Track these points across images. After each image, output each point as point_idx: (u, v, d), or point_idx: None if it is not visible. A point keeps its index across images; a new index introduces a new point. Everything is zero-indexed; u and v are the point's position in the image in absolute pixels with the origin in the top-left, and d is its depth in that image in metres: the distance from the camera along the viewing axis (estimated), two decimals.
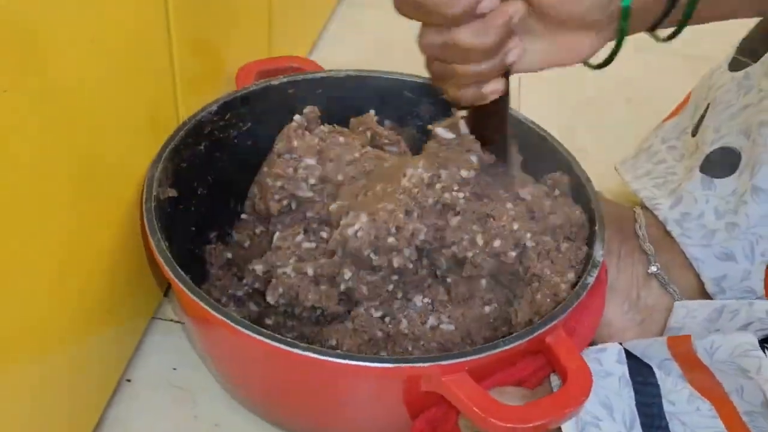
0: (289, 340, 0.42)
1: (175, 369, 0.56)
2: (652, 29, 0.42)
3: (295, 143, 0.53)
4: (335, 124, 0.57)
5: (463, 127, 0.50)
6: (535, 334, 0.44)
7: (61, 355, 0.44)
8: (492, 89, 0.43)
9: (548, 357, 0.45)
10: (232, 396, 0.55)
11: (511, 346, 0.43)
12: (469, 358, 0.42)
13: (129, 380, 0.55)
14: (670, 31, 0.43)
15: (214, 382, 0.56)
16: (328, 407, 0.48)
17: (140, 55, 0.47)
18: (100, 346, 0.50)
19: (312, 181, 0.53)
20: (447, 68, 0.42)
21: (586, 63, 0.44)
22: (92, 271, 0.46)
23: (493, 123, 0.49)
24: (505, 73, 0.44)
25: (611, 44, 0.42)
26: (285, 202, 0.53)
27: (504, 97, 0.46)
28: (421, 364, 0.42)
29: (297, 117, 0.55)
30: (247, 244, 0.57)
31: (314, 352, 0.41)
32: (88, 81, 0.41)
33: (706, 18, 0.42)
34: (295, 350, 0.41)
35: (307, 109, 0.56)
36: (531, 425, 0.41)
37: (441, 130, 0.50)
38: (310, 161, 0.53)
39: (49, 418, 0.44)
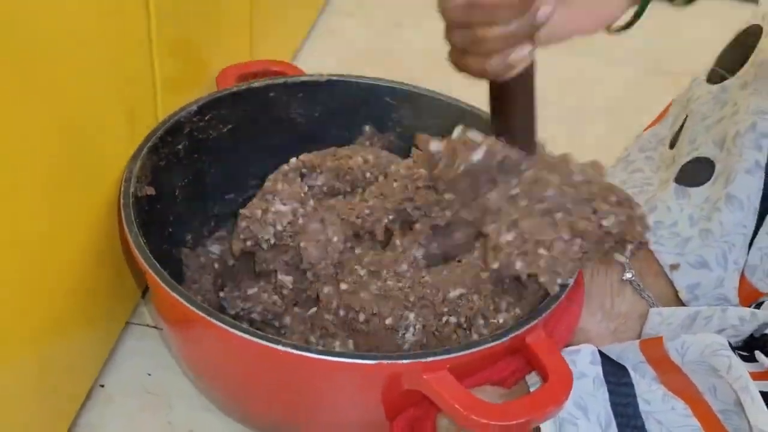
0: (269, 336, 0.41)
1: (150, 374, 0.56)
2: None
3: (279, 186, 0.52)
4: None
5: (475, 135, 0.46)
6: (516, 333, 0.44)
7: (30, 359, 0.43)
8: (520, 56, 0.39)
9: (528, 357, 0.46)
10: (208, 398, 0.54)
11: (492, 344, 0.43)
12: (450, 356, 0.42)
13: (102, 385, 0.54)
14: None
15: (189, 388, 0.55)
16: (308, 406, 0.48)
17: (120, 53, 0.47)
18: (73, 350, 0.49)
19: (279, 227, 0.51)
20: (471, 35, 0.39)
21: (608, 29, 0.42)
22: (65, 272, 0.45)
23: (520, 106, 0.45)
24: (532, 41, 0.40)
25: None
26: (248, 243, 0.52)
27: (531, 71, 0.42)
28: (402, 361, 0.42)
29: (293, 160, 0.55)
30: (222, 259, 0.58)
31: (296, 348, 0.41)
32: (66, 76, 0.41)
33: None
34: (276, 346, 0.41)
35: (303, 156, 0.55)
36: (513, 423, 0.41)
37: (434, 146, 0.47)
38: (283, 207, 0.51)
39: (18, 423, 0.43)
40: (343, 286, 0.49)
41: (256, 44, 0.72)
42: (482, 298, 0.48)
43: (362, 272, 0.49)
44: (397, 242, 0.51)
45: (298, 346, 0.41)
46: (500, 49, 0.39)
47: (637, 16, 0.42)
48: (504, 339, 0.44)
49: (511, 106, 0.45)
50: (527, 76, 0.42)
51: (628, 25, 0.42)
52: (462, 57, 0.41)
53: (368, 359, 0.42)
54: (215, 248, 0.60)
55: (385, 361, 0.42)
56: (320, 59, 0.91)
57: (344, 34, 0.97)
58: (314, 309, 0.51)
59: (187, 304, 0.42)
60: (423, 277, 0.49)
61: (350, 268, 0.50)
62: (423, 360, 0.42)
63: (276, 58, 0.66)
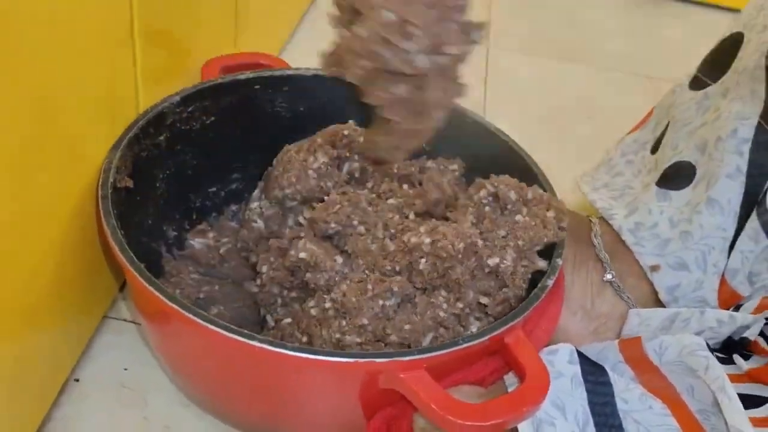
0: (245, 332, 0.41)
1: (126, 369, 0.55)
2: None
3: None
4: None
5: None
6: (495, 333, 0.44)
7: (4, 351, 0.42)
8: None
9: (506, 357, 0.46)
10: (184, 393, 0.53)
11: (471, 344, 0.43)
12: (428, 355, 0.42)
13: (77, 380, 0.54)
14: None
15: (166, 384, 0.54)
16: (284, 404, 0.47)
17: (101, 41, 0.46)
18: (48, 343, 0.48)
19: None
20: None
21: None
22: (40, 262, 0.45)
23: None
24: None
25: None
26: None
27: None
28: (379, 360, 0.42)
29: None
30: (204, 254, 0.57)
31: (273, 345, 0.41)
32: (45, 61, 0.40)
33: None
34: (253, 342, 0.40)
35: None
36: (489, 423, 0.40)
37: None
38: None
39: None
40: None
41: (241, 37, 0.72)
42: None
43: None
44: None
45: (274, 342, 0.41)
46: None
47: None
48: (482, 339, 0.43)
49: None
50: None
51: None
52: None
53: (345, 357, 0.42)
54: (196, 242, 0.59)
55: (361, 360, 0.42)
56: (307, 55, 0.91)
57: (332, 31, 0.97)
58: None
59: (162, 298, 0.42)
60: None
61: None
62: (400, 359, 0.42)
63: (262, 51, 0.65)
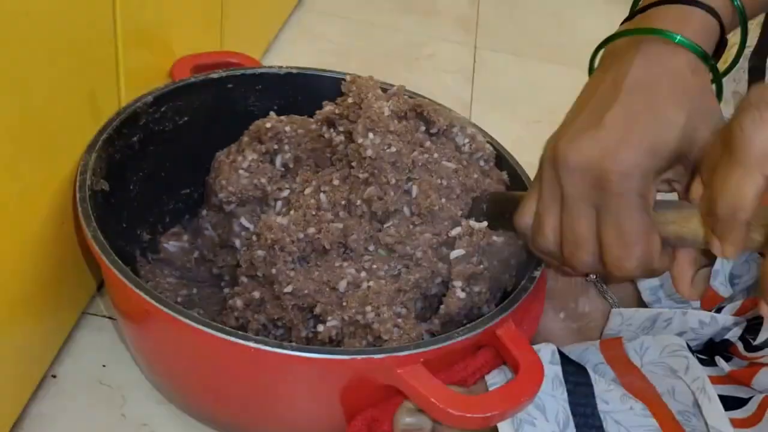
0: (228, 329, 0.41)
1: (104, 366, 0.54)
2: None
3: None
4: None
5: None
6: (488, 326, 0.44)
7: None
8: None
9: (499, 349, 0.46)
10: (163, 394, 0.53)
11: (465, 337, 0.43)
12: (424, 350, 0.42)
13: (54, 376, 0.53)
14: None
15: (144, 381, 0.54)
16: (267, 404, 0.47)
17: (83, 40, 0.46)
18: (24, 339, 0.47)
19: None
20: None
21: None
22: (18, 258, 0.44)
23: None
24: None
25: None
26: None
27: None
28: (376, 356, 0.41)
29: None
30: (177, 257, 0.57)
31: (260, 342, 0.40)
32: (27, 60, 0.40)
33: None
34: (237, 340, 0.40)
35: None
36: (489, 414, 0.41)
37: None
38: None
39: None
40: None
41: (226, 38, 0.71)
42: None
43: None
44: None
45: (259, 339, 0.40)
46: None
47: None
48: (477, 331, 0.44)
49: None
50: None
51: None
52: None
53: (341, 354, 0.41)
54: (170, 245, 0.58)
55: (359, 356, 0.41)
56: (292, 56, 0.91)
57: (317, 32, 0.97)
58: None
59: (144, 295, 0.41)
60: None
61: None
62: (396, 354, 0.42)
63: (247, 52, 0.65)
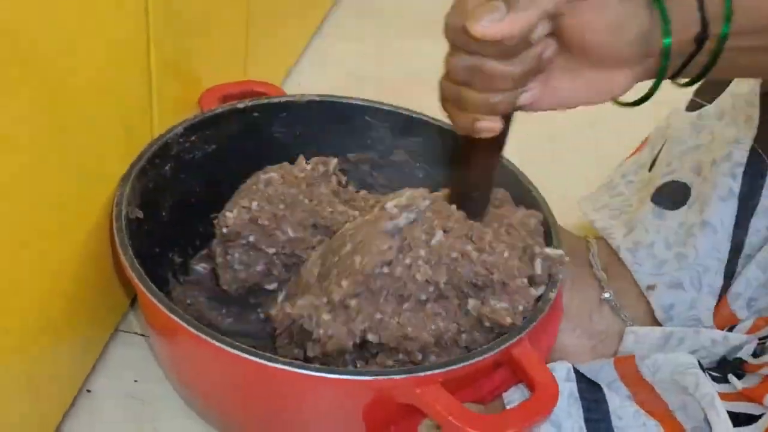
0: (256, 351, 0.42)
1: (136, 381, 0.57)
2: (676, 74, 0.41)
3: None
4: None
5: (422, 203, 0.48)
6: (504, 346, 0.45)
7: (18, 363, 0.44)
8: (486, 126, 0.41)
9: (514, 369, 0.47)
10: (193, 409, 0.55)
11: (483, 357, 0.45)
12: (442, 370, 0.43)
13: (89, 391, 0.55)
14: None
15: (175, 396, 0.56)
16: (290, 420, 0.49)
17: (118, 71, 0.49)
18: (60, 356, 0.50)
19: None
20: (457, 91, 0.41)
21: (615, 101, 0.43)
22: (56, 278, 0.47)
23: (478, 170, 0.47)
24: (506, 117, 0.42)
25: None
26: None
27: (497, 143, 0.44)
28: (395, 377, 0.43)
29: None
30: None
31: (285, 364, 0.42)
32: (67, 91, 0.42)
33: (727, 72, 0.42)
34: (264, 362, 0.42)
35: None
36: None
37: (390, 206, 0.48)
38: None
39: (3, 426, 0.44)
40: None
41: (250, 66, 0.74)
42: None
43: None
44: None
45: (284, 360, 0.42)
46: (474, 112, 0.41)
47: (649, 94, 0.42)
48: (494, 352, 0.45)
49: (471, 168, 0.47)
50: (492, 146, 0.44)
51: (642, 100, 0.43)
52: (445, 103, 0.43)
53: (362, 375, 0.43)
54: (201, 267, 0.61)
55: (380, 377, 0.43)
56: (311, 82, 0.93)
57: (335, 58, 0.99)
58: None
59: (170, 314, 0.44)
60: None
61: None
62: (416, 375, 0.43)
63: (269, 79, 0.67)
